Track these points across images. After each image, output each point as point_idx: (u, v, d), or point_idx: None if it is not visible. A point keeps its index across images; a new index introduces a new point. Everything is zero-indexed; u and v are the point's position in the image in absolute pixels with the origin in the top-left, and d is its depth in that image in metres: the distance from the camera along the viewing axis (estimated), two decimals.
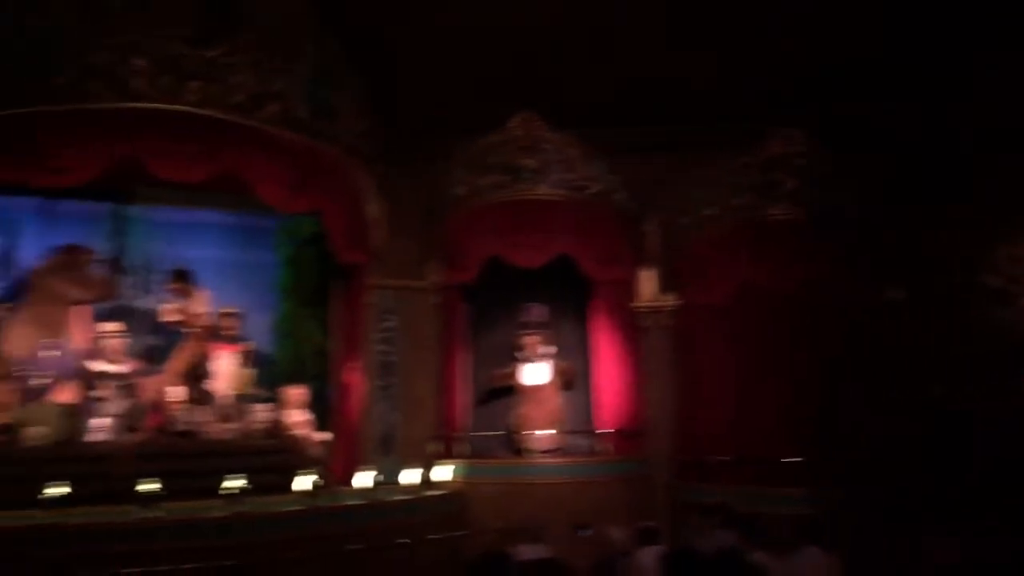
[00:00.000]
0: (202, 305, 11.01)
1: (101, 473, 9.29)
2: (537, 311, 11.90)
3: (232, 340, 10.94)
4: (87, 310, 11.18)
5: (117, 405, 10.17)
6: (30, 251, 12.29)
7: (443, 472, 10.25)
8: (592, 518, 9.11)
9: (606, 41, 10.77)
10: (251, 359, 11.46)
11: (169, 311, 11.07)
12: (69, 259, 10.78)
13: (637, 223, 11.53)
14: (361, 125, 10.64)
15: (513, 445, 11.43)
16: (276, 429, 10.74)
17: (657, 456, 11.19)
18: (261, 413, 11.10)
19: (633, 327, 11.72)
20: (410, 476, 9.89)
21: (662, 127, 11.29)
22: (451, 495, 10.19)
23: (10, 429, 9.63)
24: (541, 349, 11.81)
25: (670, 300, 11.46)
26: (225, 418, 10.62)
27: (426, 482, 10.18)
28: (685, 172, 11.31)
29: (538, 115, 11.02)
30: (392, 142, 10.96)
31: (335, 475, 11.12)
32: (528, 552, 7.73)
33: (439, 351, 11.21)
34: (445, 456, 10.63)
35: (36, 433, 9.68)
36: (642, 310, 11.57)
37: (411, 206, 11.16)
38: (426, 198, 11.23)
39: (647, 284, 11.57)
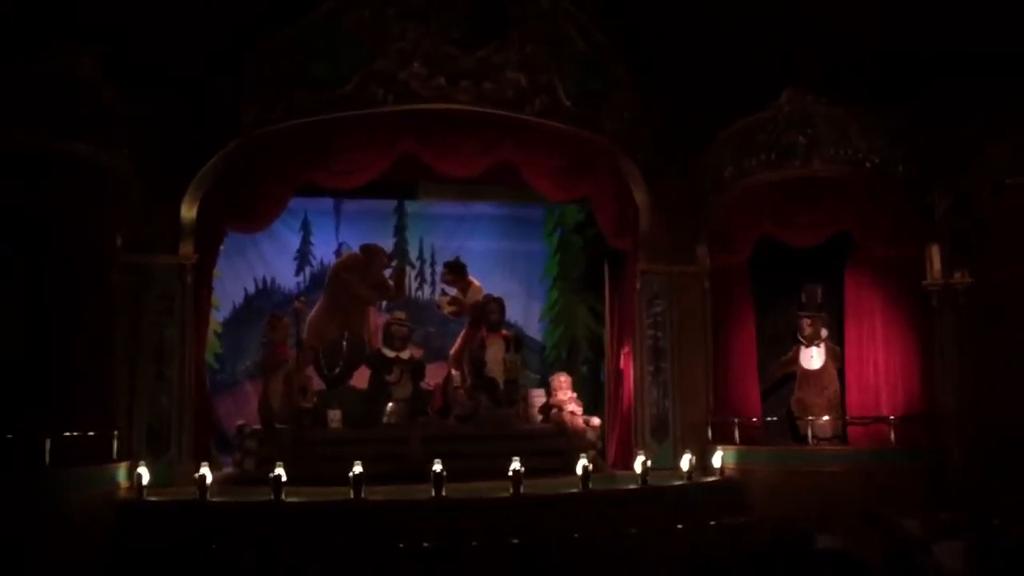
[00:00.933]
0: (477, 295, 11.45)
1: (395, 454, 9.98)
2: (814, 292, 11.41)
3: (504, 327, 11.31)
4: (376, 303, 11.94)
5: (405, 391, 10.81)
6: (323, 247, 13.36)
7: (719, 458, 10.10)
8: (879, 507, 8.63)
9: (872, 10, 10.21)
10: (522, 345, 11.80)
11: (446, 301, 11.58)
12: (365, 260, 11.51)
13: (923, 196, 10.73)
14: (627, 113, 10.63)
15: (792, 431, 11.05)
16: (550, 414, 11.00)
17: (950, 443, 10.40)
18: (535, 398, 11.43)
19: (919, 306, 10.95)
20: (685, 461, 9.81)
21: (948, 94, 10.43)
22: (728, 481, 10.03)
23: (315, 413, 10.50)
24: (822, 332, 11.33)
25: (963, 277, 10.57)
26: (501, 403, 11.01)
27: (701, 467, 10.07)
28: (979, 140, 10.38)
29: (807, 90, 10.53)
30: (657, 127, 10.88)
31: (609, 460, 11.28)
32: (823, 541, 7.44)
33: (711, 335, 11.00)
34: (720, 442, 10.45)
35: (336, 417, 10.50)
36: (932, 288, 10.76)
37: (678, 190, 11.00)
38: (693, 181, 11.04)
39: (936, 260, 10.75)
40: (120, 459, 9.15)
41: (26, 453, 8.25)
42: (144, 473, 8.85)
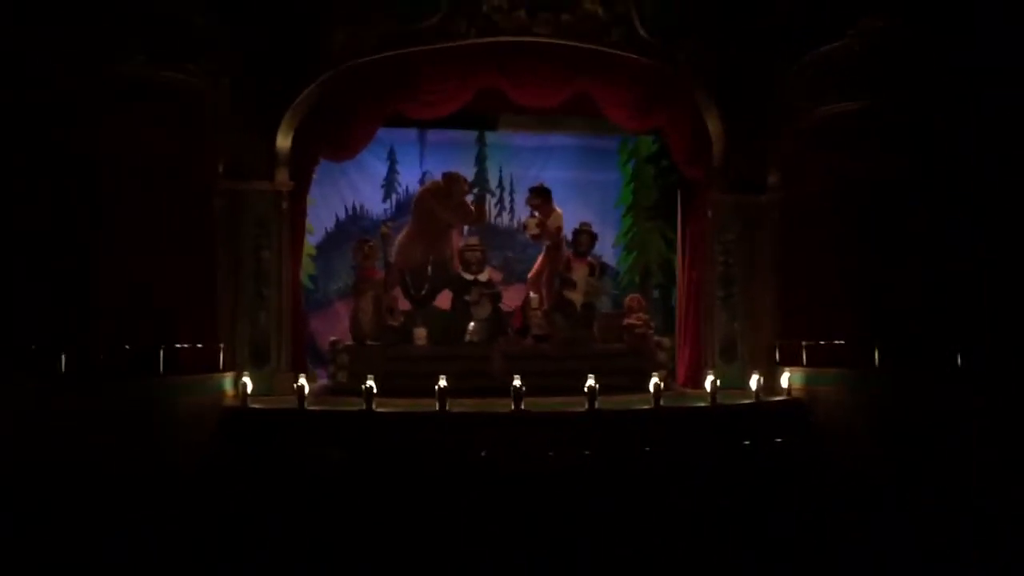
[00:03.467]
0: (558, 220, 11.49)
1: (476, 370, 10.20)
2: None
3: (583, 252, 11.35)
4: (459, 228, 12.07)
5: (485, 311, 10.98)
6: (408, 175, 13.53)
7: (786, 378, 10.09)
8: None
9: None
10: (599, 270, 11.84)
11: (531, 224, 11.65)
12: (446, 187, 11.62)
13: None
14: (701, 44, 10.45)
15: None
16: (624, 334, 11.08)
17: None
18: (609, 319, 11.51)
19: None
20: (753, 382, 9.84)
21: None
22: (793, 401, 10.02)
23: (402, 331, 10.76)
24: None
25: None
26: (578, 324, 11.11)
27: (769, 388, 10.07)
28: None
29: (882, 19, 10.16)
30: (731, 58, 10.65)
31: (679, 379, 11.34)
32: None
33: (780, 261, 10.87)
34: (787, 363, 10.41)
35: (421, 334, 10.75)
36: None
37: (751, 120, 10.78)
38: (766, 111, 10.80)
39: None
40: (226, 370, 9.54)
41: (143, 362, 8.69)
42: (248, 382, 9.24)
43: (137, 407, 8.43)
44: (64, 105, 8.69)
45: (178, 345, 9.03)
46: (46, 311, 8.60)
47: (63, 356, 8.40)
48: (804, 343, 10.23)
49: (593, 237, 11.42)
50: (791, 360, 10.39)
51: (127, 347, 8.70)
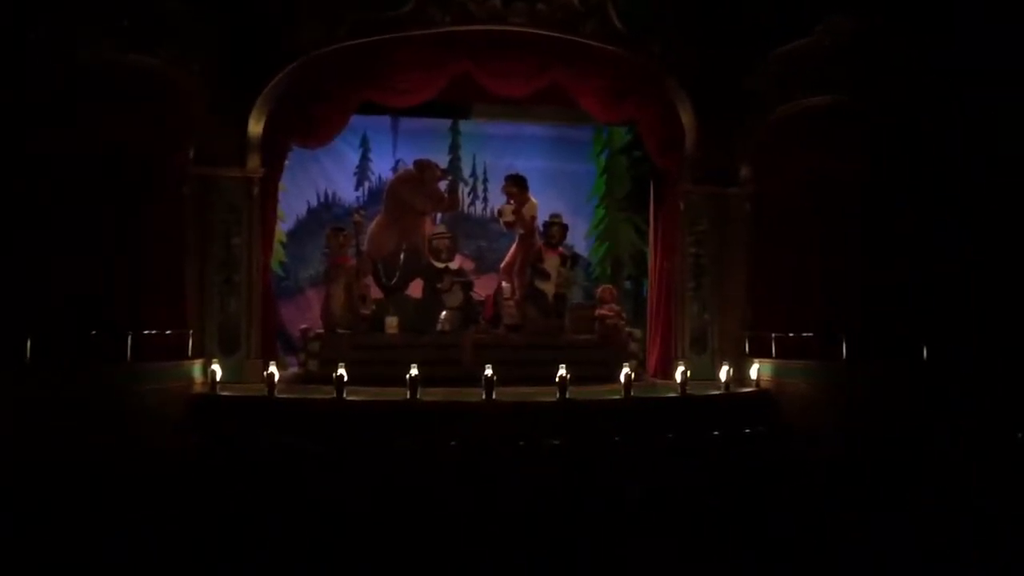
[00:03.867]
0: (532, 210, 11.47)
1: (447, 359, 10.16)
2: None
3: (555, 243, 11.34)
4: (430, 215, 12.00)
5: (456, 299, 10.94)
6: (381, 163, 13.44)
7: (755, 370, 10.14)
8: None
9: None
10: (571, 261, 11.82)
11: (506, 212, 11.62)
12: (419, 174, 11.56)
13: None
14: (676, 36, 10.46)
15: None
16: (595, 325, 11.09)
17: None
18: (580, 310, 11.51)
19: None
20: (723, 373, 9.89)
21: None
22: (762, 393, 10.08)
23: (373, 320, 10.70)
24: None
25: None
26: (549, 314, 11.10)
27: (738, 379, 10.13)
28: None
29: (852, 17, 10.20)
30: (704, 51, 10.66)
31: (650, 370, 11.37)
32: None
33: (751, 254, 10.92)
34: (756, 355, 10.48)
35: (393, 323, 10.70)
36: None
37: (723, 113, 10.80)
38: (738, 105, 10.82)
39: None
40: (195, 357, 9.44)
41: (110, 349, 8.56)
42: (217, 370, 9.16)
43: (104, 394, 8.32)
44: (28, 88, 8.52)
45: (146, 332, 8.90)
46: (10, 298, 8.45)
47: (28, 343, 8.27)
48: (773, 335, 10.29)
49: (565, 228, 11.41)
50: (760, 352, 10.46)
51: (93, 333, 8.55)
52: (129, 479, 7.55)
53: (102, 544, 5.98)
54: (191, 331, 9.50)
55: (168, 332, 9.18)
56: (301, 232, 13.16)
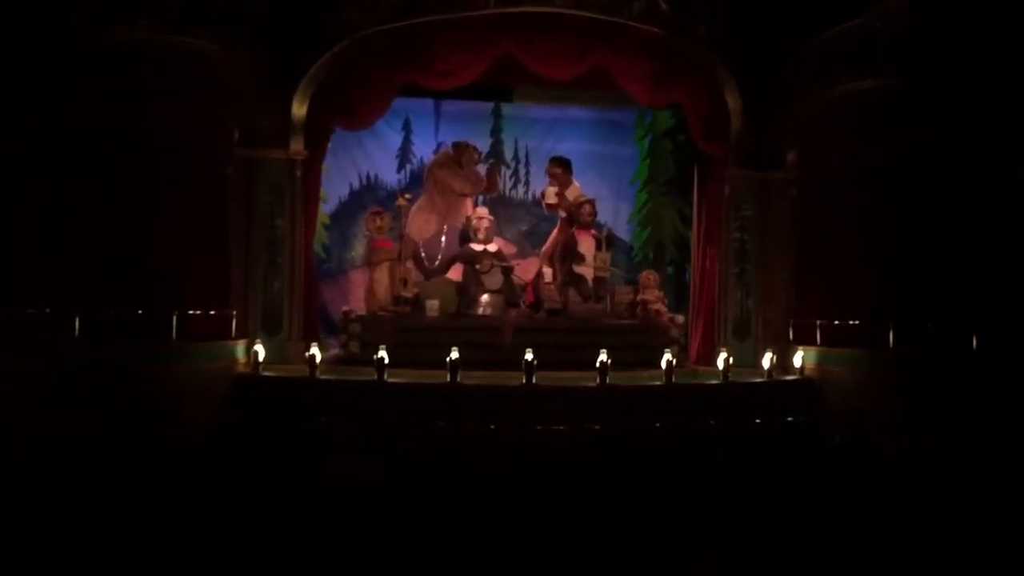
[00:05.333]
0: (575, 193, 11.36)
1: (488, 343, 10.11)
2: None
3: (587, 225, 11.23)
4: (471, 199, 11.93)
5: (496, 282, 10.88)
6: (423, 146, 13.37)
7: (799, 358, 9.96)
8: None
9: None
10: (611, 244, 11.70)
11: (549, 194, 11.52)
12: (456, 156, 11.50)
13: None
14: (722, 18, 10.27)
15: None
16: (636, 310, 10.96)
17: None
18: (622, 295, 11.39)
19: None
20: (765, 360, 9.72)
21: None
22: (805, 381, 9.89)
23: (414, 302, 10.67)
24: None
25: None
26: (590, 298, 11.00)
27: (782, 366, 9.95)
28: None
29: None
30: (751, 33, 10.45)
31: (691, 356, 11.22)
32: None
33: (796, 239, 10.70)
34: (800, 342, 10.28)
35: (433, 306, 10.66)
36: None
37: (769, 97, 10.57)
38: (784, 88, 10.59)
39: None
40: (238, 337, 9.47)
41: (156, 328, 8.62)
42: (260, 350, 9.19)
43: (149, 373, 8.40)
44: (71, 71, 8.58)
45: (191, 312, 8.94)
46: (60, 277, 8.55)
47: (76, 321, 8.37)
48: (818, 322, 10.09)
49: (595, 209, 11.28)
50: (804, 339, 10.26)
51: (139, 313, 8.62)
52: (172, 456, 7.64)
53: (145, 518, 6.05)
54: (235, 311, 9.52)
55: (212, 312, 9.21)
56: (343, 214, 13.15)
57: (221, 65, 9.28)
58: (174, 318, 8.71)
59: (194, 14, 8.94)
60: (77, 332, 8.35)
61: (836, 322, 9.98)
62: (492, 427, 8.47)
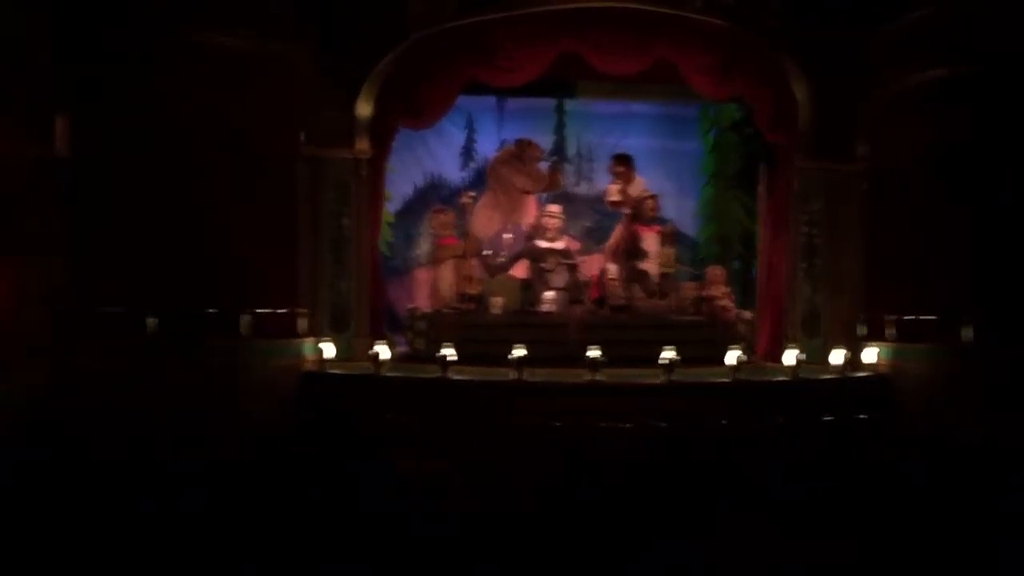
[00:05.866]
0: (638, 189, 11.27)
1: (552, 339, 10.07)
2: None
3: (650, 221, 11.12)
4: (535, 195, 11.92)
5: (562, 279, 10.84)
6: (486, 144, 13.38)
7: (871, 354, 9.70)
8: None
9: None
10: (675, 240, 11.56)
11: (612, 191, 11.45)
12: (519, 152, 11.50)
13: None
14: (789, 10, 10.04)
15: None
16: (703, 306, 10.82)
17: None
18: (688, 291, 11.25)
19: None
20: (836, 356, 9.49)
21: None
22: (877, 377, 9.64)
23: (478, 299, 10.70)
24: None
25: None
26: (655, 294, 10.89)
27: (851, 363, 9.71)
28: None
29: None
30: (818, 22, 10.21)
31: (759, 353, 11.03)
32: None
33: (866, 232, 10.43)
34: (871, 338, 10.02)
35: (497, 303, 10.67)
36: None
37: (838, 87, 10.31)
38: (854, 78, 10.33)
39: None
40: (305, 335, 9.58)
41: (226, 326, 8.79)
42: (326, 348, 9.29)
43: (220, 369, 8.58)
44: (144, 72, 8.79)
45: (260, 310, 9.09)
46: (134, 276, 8.78)
47: (150, 319, 8.59)
48: (891, 317, 9.82)
49: (659, 205, 11.16)
50: (876, 335, 9.98)
51: (210, 311, 8.79)
52: (241, 452, 7.76)
53: (217, 510, 6.14)
54: (302, 310, 9.65)
55: (281, 311, 9.34)
56: (408, 212, 13.25)
57: (287, 66, 9.42)
58: (244, 316, 8.87)
59: (261, 16, 9.09)
60: (151, 330, 8.58)
61: (911, 317, 9.69)
62: (557, 424, 8.43)
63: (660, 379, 8.84)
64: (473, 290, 10.75)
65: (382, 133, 10.38)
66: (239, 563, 5.33)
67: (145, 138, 8.85)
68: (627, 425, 8.41)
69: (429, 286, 11.09)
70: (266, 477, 7.09)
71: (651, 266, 10.97)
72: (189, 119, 8.87)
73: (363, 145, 10.16)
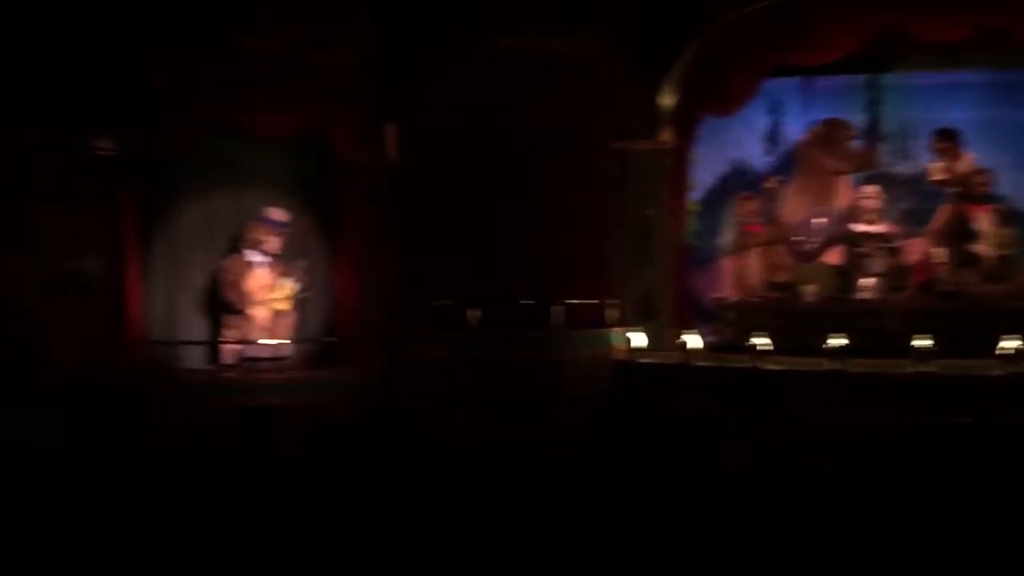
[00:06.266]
0: (967, 165, 10.35)
1: (871, 328, 9.50)
2: None
3: (989, 199, 10.11)
4: (848, 178, 11.32)
5: (881, 265, 10.21)
6: (792, 127, 12.84)
7: None
8: None
9: None
10: (1011, 218, 10.47)
11: (936, 170, 10.62)
12: (830, 133, 10.98)
13: None
14: None
15: None
16: None
17: None
18: None
19: None
20: None
21: None
22: None
23: (788, 287, 10.35)
24: None
25: None
26: (991, 278, 9.94)
27: None
28: None
29: None
30: None
31: None
32: None
33: None
34: None
35: (810, 290, 10.25)
36: None
37: None
38: None
39: None
40: (615, 325, 9.79)
41: (540, 317, 9.22)
42: (635, 338, 9.43)
43: (534, 358, 9.01)
44: (461, 80, 9.41)
45: (571, 301, 9.42)
46: (456, 272, 9.47)
47: (471, 312, 9.21)
48: None
49: (990, 179, 10.11)
50: None
51: (525, 302, 9.25)
52: (560, 436, 8.08)
53: (538, 499, 6.41)
54: (612, 300, 9.85)
55: (591, 301, 9.62)
56: (711, 200, 12.99)
57: (592, 62, 9.68)
58: (556, 307, 9.24)
59: (565, 15, 9.41)
60: (472, 322, 9.20)
61: None
62: (878, 417, 7.95)
63: (1000, 371, 8.04)
64: (782, 278, 10.42)
65: (685, 123, 10.37)
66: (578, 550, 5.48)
67: (462, 141, 9.49)
68: (961, 420, 7.75)
69: (735, 275, 10.89)
70: (585, 462, 7.32)
71: (984, 248, 10.00)
72: (502, 121, 9.40)
73: (666, 136, 10.21)
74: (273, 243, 9.94)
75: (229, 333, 9.83)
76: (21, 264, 8.56)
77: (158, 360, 9.37)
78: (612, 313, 9.75)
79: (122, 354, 9.09)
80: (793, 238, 10.84)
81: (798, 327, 9.65)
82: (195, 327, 10.16)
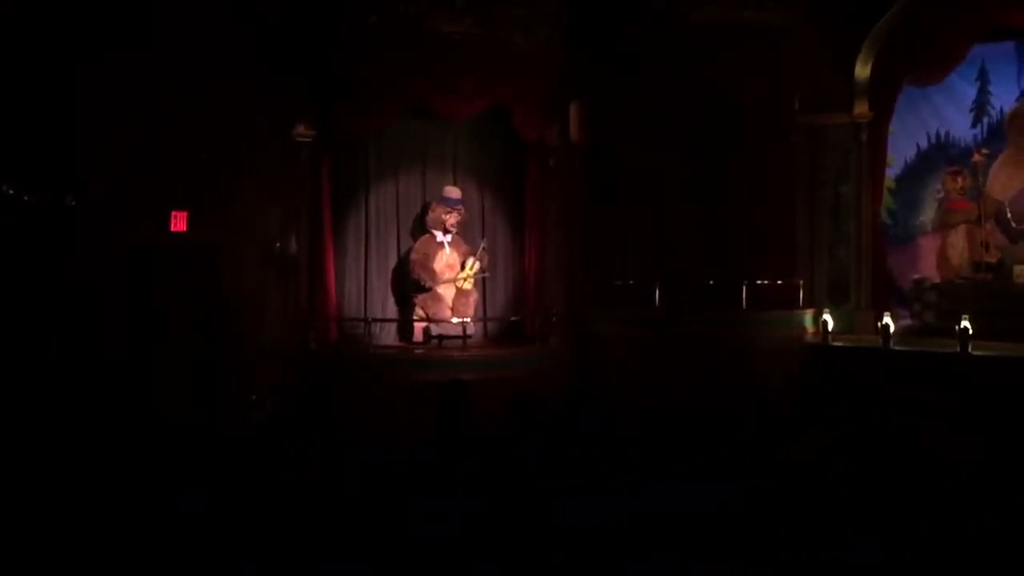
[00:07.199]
0: None
1: None
2: None
3: None
4: None
5: None
6: (1003, 95, 11.92)
7: None
8: None
9: None
10: None
11: None
12: None
13: None
14: None
15: None
16: None
17: None
18: None
19: None
20: None
21: None
22: None
23: (997, 268, 9.67)
24: None
25: None
26: None
27: None
28: None
29: None
30: None
31: None
32: None
33: None
34: None
35: (1021, 271, 9.53)
36: None
37: None
38: None
39: None
40: (805, 306, 9.49)
41: (727, 297, 9.05)
42: (828, 320, 9.09)
43: (723, 339, 8.87)
44: (645, 58, 9.33)
45: (760, 281, 9.19)
46: (641, 250, 9.45)
47: (657, 291, 9.14)
48: None
49: None
50: None
51: (713, 282, 9.11)
52: (749, 415, 7.94)
53: (739, 473, 6.30)
54: (801, 281, 9.54)
55: (780, 281, 9.35)
56: (910, 177, 12.28)
57: (784, 35, 9.36)
58: (745, 287, 9.05)
59: None
60: (658, 301, 9.15)
61: None
62: None
63: None
64: (991, 258, 9.72)
65: (883, 94, 9.84)
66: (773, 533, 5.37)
67: (646, 119, 9.41)
68: None
69: (937, 254, 10.29)
70: (774, 443, 7.16)
71: None
72: (687, 97, 9.24)
73: (862, 108, 9.76)
74: (451, 219, 10.17)
75: (418, 311, 10.15)
76: (241, 242, 9.18)
77: (353, 336, 9.82)
78: (802, 294, 9.44)
79: (320, 330, 9.58)
80: (1004, 214, 10.10)
81: (1008, 311, 9.00)
82: (385, 305, 10.57)
